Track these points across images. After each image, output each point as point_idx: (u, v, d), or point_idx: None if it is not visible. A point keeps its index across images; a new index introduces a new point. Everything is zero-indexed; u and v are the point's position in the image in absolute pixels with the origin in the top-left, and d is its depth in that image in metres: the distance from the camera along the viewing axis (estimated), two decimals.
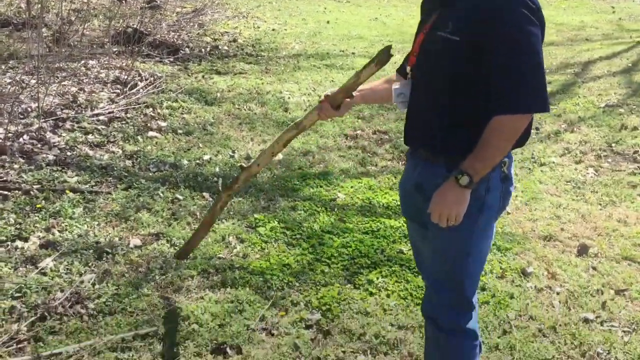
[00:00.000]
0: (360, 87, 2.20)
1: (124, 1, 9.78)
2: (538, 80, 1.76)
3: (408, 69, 2.03)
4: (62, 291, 2.79)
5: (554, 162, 4.81)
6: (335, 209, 3.93)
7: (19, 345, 2.45)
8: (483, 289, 3.11)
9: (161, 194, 3.92)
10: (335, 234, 3.60)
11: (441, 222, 1.84)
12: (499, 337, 2.77)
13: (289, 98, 6.27)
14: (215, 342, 2.60)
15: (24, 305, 2.68)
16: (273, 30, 9.58)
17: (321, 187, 4.26)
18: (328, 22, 10.36)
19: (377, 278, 3.17)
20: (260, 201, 3.95)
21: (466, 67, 1.81)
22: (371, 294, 3.05)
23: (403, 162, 4.76)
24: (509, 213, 3.99)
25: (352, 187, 4.30)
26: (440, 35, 1.84)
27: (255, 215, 3.75)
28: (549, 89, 6.58)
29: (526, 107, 1.77)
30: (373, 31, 9.82)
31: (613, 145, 5.13)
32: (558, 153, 5.00)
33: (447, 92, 1.87)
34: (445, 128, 1.89)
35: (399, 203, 4.00)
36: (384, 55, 2.04)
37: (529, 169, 4.71)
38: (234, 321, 2.74)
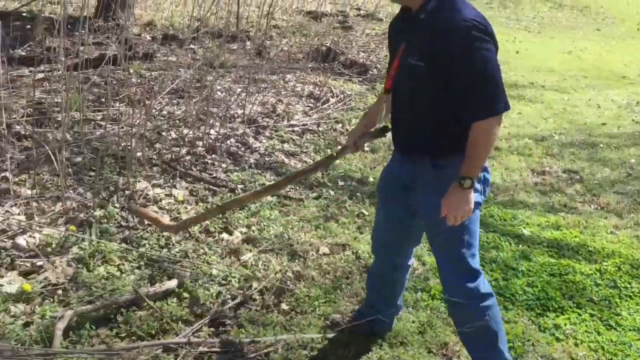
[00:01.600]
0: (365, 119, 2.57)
1: (319, 20, 10.38)
2: (496, 87, 2.06)
3: (387, 89, 2.35)
4: (260, 284, 3.03)
5: None
6: (520, 245, 3.82)
7: (223, 328, 2.71)
8: None
9: (348, 207, 4.10)
10: (519, 271, 3.50)
11: (456, 222, 2.16)
12: None
13: None
14: (397, 358, 2.67)
15: (228, 292, 2.97)
16: None
17: (505, 220, 4.17)
18: (517, 52, 10.09)
19: (565, 324, 3.03)
20: None
21: (434, 86, 2.12)
22: (558, 339, 2.93)
23: (596, 207, 4.50)
24: None
25: (538, 224, 4.15)
26: (410, 62, 2.14)
27: None
28: None
29: (491, 111, 2.07)
30: (566, 65, 9.39)
31: None
32: None
33: (423, 108, 2.20)
34: (425, 135, 2.24)
35: (590, 249, 3.81)
36: (380, 133, 2.45)
37: None
38: (415, 341, 2.79)
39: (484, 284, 2.37)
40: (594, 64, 9.52)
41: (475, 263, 2.34)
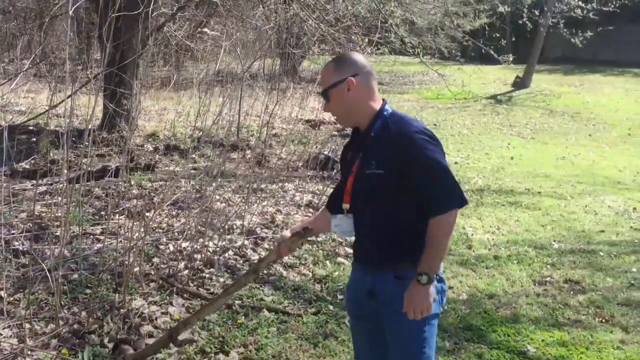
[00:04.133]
0: (305, 223, 2.67)
1: (318, 128, 10.68)
2: (451, 183, 2.25)
3: (345, 206, 2.44)
4: None
5: None
6: None
7: None
8: None
9: (347, 323, 4.01)
10: None
11: (416, 317, 2.21)
12: None
13: (472, 235, 6.22)
14: None
15: None
16: (455, 163, 9.74)
17: (509, 335, 4.07)
18: (512, 158, 10.29)
19: None
20: (445, 343, 3.86)
21: (394, 190, 2.27)
22: None
23: (600, 320, 4.40)
24: None
25: (542, 340, 4.05)
26: (368, 173, 2.30)
27: (440, 359, 3.66)
28: None
29: (451, 204, 2.23)
30: (561, 170, 9.54)
31: None
32: None
33: (384, 213, 2.32)
34: (388, 242, 2.34)
35: None
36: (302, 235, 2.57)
37: None
38: None
39: None
40: (589, 170, 9.67)
41: None
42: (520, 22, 15.24)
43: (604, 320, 4.41)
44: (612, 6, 16.45)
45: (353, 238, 2.53)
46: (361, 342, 2.57)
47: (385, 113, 2.36)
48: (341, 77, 2.34)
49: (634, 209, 7.46)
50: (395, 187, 2.26)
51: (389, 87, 18.23)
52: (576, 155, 10.94)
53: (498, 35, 15.40)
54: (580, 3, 16.25)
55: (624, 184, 8.95)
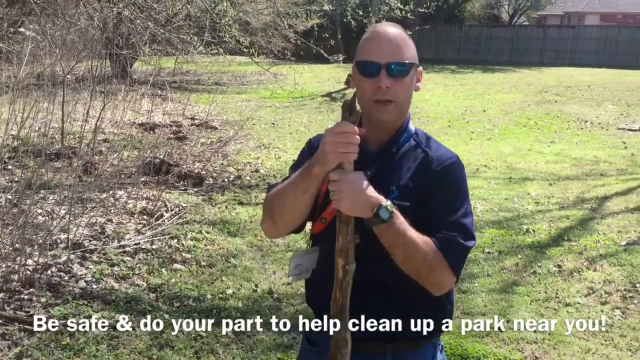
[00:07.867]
0: None
1: (152, 132, 10.29)
2: (469, 248, 1.71)
3: (309, 235, 1.77)
4: None
5: (579, 303, 4.76)
6: None
7: None
8: None
9: (184, 330, 3.90)
10: None
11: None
12: None
13: None
14: None
15: None
16: (293, 160, 9.93)
17: None
18: None
19: None
20: (284, 339, 3.90)
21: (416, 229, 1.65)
22: None
23: None
24: (537, 358, 3.90)
25: None
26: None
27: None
28: (567, 223, 6.71)
29: (459, 271, 1.72)
30: None
31: (638, 285, 5.08)
32: (582, 293, 4.96)
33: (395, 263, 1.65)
34: (395, 308, 1.70)
35: None
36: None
37: (554, 309, 4.65)
38: None
39: None
40: None
41: None
42: (345, 20, 15.99)
43: None
44: (428, 8, 17.91)
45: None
46: None
47: (410, 127, 1.82)
48: (417, 61, 1.79)
49: None
50: (417, 226, 1.65)
51: (227, 88, 18.13)
52: None
53: (328, 35, 15.99)
54: (399, 5, 17.53)
55: None
